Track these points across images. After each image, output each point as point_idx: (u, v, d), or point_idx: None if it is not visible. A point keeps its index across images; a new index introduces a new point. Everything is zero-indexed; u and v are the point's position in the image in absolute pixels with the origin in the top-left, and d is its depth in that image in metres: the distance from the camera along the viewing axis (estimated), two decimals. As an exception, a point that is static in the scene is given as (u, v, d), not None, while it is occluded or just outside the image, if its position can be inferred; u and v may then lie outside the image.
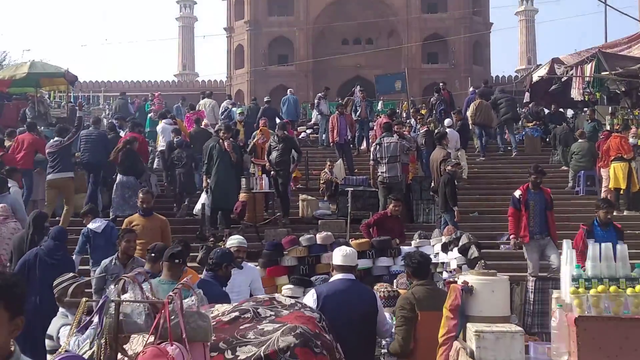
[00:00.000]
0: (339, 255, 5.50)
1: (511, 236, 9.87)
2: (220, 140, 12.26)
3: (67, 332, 4.97)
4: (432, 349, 4.90)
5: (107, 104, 29.32)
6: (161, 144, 15.68)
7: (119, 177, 12.87)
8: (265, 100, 22.32)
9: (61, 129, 13.05)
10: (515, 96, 21.54)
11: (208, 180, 12.08)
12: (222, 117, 20.02)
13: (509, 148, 19.99)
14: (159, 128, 16.39)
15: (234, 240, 7.13)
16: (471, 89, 22.68)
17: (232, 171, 12.29)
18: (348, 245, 8.10)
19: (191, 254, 8.74)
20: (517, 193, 9.76)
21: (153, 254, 6.43)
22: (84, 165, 13.24)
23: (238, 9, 50.80)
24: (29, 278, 7.36)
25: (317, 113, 21.71)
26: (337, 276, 5.45)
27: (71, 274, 5.35)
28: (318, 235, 8.32)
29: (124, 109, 20.88)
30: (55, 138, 12.68)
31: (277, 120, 19.20)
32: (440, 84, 22.15)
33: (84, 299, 3.78)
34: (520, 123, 21.27)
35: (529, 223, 9.54)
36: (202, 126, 16.47)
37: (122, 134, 15.57)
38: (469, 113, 18.40)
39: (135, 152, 13.28)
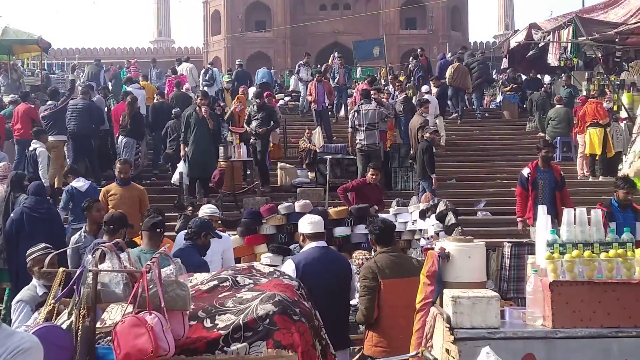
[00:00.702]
0: (307, 223, 5.51)
1: (518, 219, 9.37)
2: (197, 108, 12.18)
3: (19, 308, 4.97)
4: (396, 316, 4.99)
5: (81, 71, 28.85)
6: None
7: (120, 137, 13.29)
8: (237, 63, 22.40)
9: (53, 92, 13.60)
10: (493, 62, 21.64)
11: (186, 149, 12.02)
12: (207, 78, 19.97)
13: (487, 115, 20.16)
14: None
15: (206, 210, 7.15)
16: (440, 55, 22.74)
17: (210, 139, 12.21)
18: (325, 212, 8.17)
19: (169, 223, 8.76)
20: (526, 171, 9.15)
21: (112, 226, 6.30)
22: (69, 135, 13.15)
23: (214, -27, 50.10)
24: (19, 237, 7.75)
25: (296, 79, 21.66)
26: (310, 245, 5.46)
27: (43, 245, 5.30)
28: (297, 204, 8.33)
29: (95, 76, 20.54)
30: (49, 102, 13.06)
31: (253, 87, 19.30)
32: (418, 50, 22.11)
33: (61, 269, 3.76)
34: (498, 89, 21.36)
35: (535, 203, 8.79)
36: (183, 90, 16.59)
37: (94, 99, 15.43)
38: (447, 75, 18.46)
39: (140, 114, 13.63)
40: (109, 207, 8.37)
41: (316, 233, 5.50)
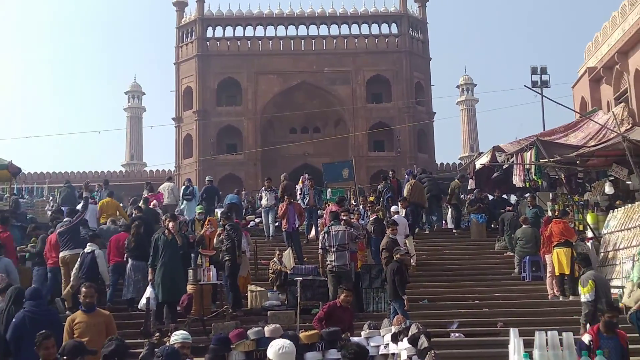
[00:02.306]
0: (279, 352, 5.32)
1: None
2: (166, 231, 12.17)
3: None
4: None
5: (51, 195, 28.78)
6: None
7: (130, 261, 13.34)
8: (206, 179, 23.00)
9: (71, 211, 14.53)
10: (463, 182, 22.12)
11: (153, 273, 11.89)
12: (187, 193, 21.03)
13: (454, 232, 20.46)
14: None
15: (177, 336, 6.94)
16: (408, 170, 23.41)
17: (179, 263, 12.12)
18: (296, 337, 8.00)
19: (137, 350, 8.48)
20: (587, 338, 7.49)
21: (65, 357, 6.04)
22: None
23: (187, 99, 51.35)
24: (23, 338, 7.85)
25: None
26: None
27: None
28: (266, 328, 8.16)
29: (70, 199, 20.42)
30: (65, 218, 13.87)
31: (217, 202, 20.85)
32: (390, 173, 22.44)
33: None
34: (464, 209, 21.68)
35: None
36: (150, 206, 17.28)
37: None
38: (404, 193, 18.95)
39: (144, 236, 13.57)
40: (75, 335, 8.09)
41: None
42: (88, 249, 12.75)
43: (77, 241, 13.35)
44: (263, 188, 20.59)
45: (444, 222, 22.22)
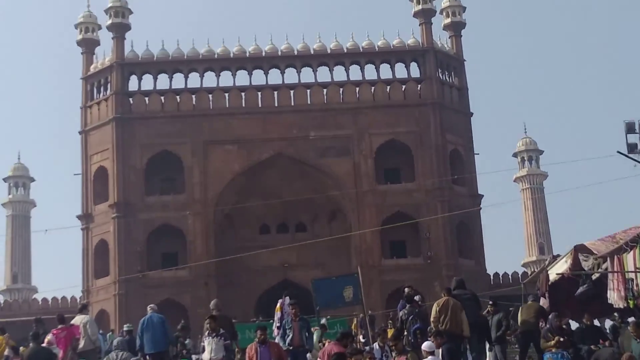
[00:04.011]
0: None
1: None
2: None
3: None
4: None
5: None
6: None
7: None
8: (125, 327, 23.18)
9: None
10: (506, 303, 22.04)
11: None
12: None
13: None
14: None
15: None
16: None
17: None
18: None
19: None
20: None
21: None
22: None
23: (99, 186, 51.60)
24: None
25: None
26: None
27: None
28: None
29: None
30: None
31: None
32: (405, 289, 22.22)
33: None
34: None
35: None
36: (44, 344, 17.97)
37: None
38: (432, 317, 18.59)
39: None
40: None
41: None
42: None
43: None
44: (206, 332, 18.35)
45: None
